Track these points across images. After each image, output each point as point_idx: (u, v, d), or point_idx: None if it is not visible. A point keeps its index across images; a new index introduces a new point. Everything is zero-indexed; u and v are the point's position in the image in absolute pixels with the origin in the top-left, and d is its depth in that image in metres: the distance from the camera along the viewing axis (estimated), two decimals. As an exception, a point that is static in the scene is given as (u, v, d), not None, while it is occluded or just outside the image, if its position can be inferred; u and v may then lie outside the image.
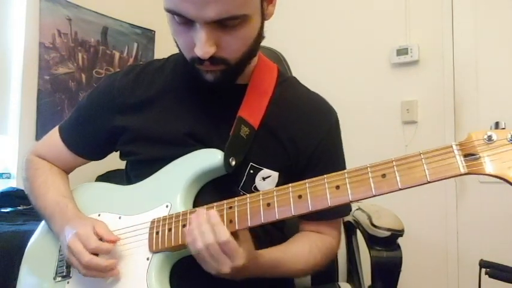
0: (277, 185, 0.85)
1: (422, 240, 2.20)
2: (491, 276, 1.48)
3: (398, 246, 1.23)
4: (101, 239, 0.82)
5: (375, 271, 1.21)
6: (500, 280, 1.46)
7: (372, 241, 1.24)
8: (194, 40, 0.76)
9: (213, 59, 0.77)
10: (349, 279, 1.34)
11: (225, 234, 0.71)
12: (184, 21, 0.75)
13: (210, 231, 0.72)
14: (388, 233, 1.22)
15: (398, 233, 1.23)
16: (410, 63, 2.34)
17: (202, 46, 0.74)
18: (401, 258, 1.21)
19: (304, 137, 0.91)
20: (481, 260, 1.52)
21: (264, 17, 0.82)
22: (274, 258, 0.83)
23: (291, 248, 0.87)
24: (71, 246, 0.82)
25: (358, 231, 1.33)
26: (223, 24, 0.74)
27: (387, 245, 1.22)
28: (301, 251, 0.87)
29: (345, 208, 0.97)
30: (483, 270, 1.49)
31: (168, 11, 0.75)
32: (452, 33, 2.24)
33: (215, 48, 0.76)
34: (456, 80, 2.22)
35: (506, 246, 1.98)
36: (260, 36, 0.84)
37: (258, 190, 0.85)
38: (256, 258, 0.77)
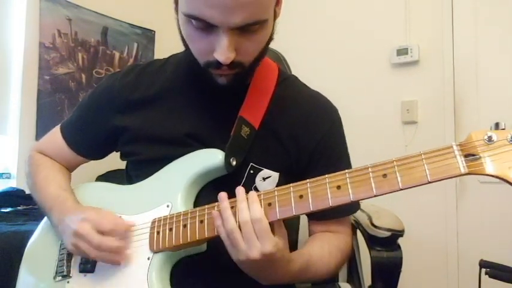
0: (277, 186, 0.85)
1: (422, 240, 2.20)
2: (491, 276, 1.47)
3: (399, 247, 1.23)
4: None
5: (375, 271, 1.21)
6: (500, 280, 1.46)
7: (372, 241, 1.23)
8: (214, 45, 0.76)
9: (230, 64, 0.77)
10: (349, 279, 1.34)
11: (259, 212, 0.70)
12: (205, 26, 0.75)
13: (246, 208, 0.71)
14: (388, 233, 1.22)
15: (399, 233, 1.23)
16: (410, 63, 2.34)
17: (225, 52, 0.75)
18: (401, 258, 1.21)
19: (305, 134, 0.91)
20: (481, 260, 1.51)
21: (275, 18, 0.83)
22: (305, 263, 0.81)
23: (314, 251, 0.85)
24: (79, 230, 0.81)
25: (358, 231, 1.33)
26: (244, 30, 0.75)
27: (387, 245, 1.22)
28: (322, 253, 0.86)
29: (354, 205, 0.96)
30: (483, 270, 1.49)
31: (189, 16, 0.75)
32: (452, 33, 2.24)
33: (235, 53, 0.76)
34: (456, 80, 2.22)
35: (506, 246, 1.98)
36: (271, 38, 0.84)
37: (258, 190, 0.85)
38: (289, 262, 0.76)
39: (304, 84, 1.01)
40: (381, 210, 1.30)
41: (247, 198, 0.73)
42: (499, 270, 1.47)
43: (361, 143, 2.19)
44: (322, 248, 0.86)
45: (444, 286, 2.19)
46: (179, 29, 0.83)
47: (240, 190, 0.74)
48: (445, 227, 2.21)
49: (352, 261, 1.34)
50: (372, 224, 1.23)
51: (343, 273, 1.35)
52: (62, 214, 0.88)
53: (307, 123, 0.92)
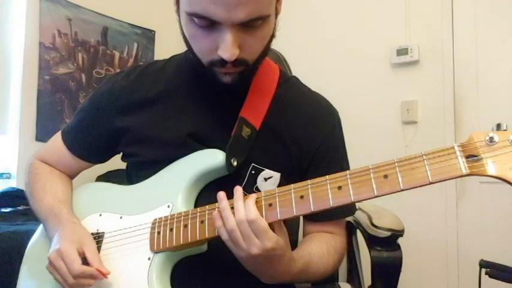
0: (278, 186, 0.85)
1: (422, 240, 2.20)
2: (491, 276, 1.48)
3: (399, 247, 1.23)
4: (84, 258, 0.81)
5: (375, 271, 1.21)
6: (500, 280, 1.46)
7: (372, 241, 1.24)
8: (218, 42, 0.75)
9: (235, 61, 0.77)
10: (349, 279, 1.34)
11: (254, 212, 0.70)
12: (208, 24, 0.75)
13: (242, 207, 0.71)
14: (388, 233, 1.22)
15: (399, 233, 1.23)
16: (410, 63, 2.33)
17: (229, 48, 0.74)
18: (401, 258, 1.21)
19: (306, 137, 0.91)
20: (481, 260, 1.52)
21: (276, 15, 0.83)
22: (306, 263, 0.80)
23: (314, 251, 0.85)
24: (54, 263, 0.81)
25: (358, 231, 1.33)
26: (247, 26, 0.75)
27: (387, 245, 1.23)
28: (322, 253, 0.86)
29: (351, 207, 0.96)
30: (483, 270, 1.49)
31: (192, 14, 0.75)
32: (452, 33, 2.24)
33: (239, 50, 0.76)
34: (456, 80, 2.22)
35: (506, 246, 1.98)
36: (273, 35, 0.84)
37: (259, 191, 0.85)
38: (291, 261, 0.76)
39: (305, 86, 1.01)
40: (381, 210, 1.30)
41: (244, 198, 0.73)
42: (499, 270, 1.47)
43: (361, 143, 2.20)
44: (321, 248, 0.86)
45: (444, 286, 2.19)
46: (181, 29, 0.82)
47: (237, 188, 0.74)
48: (445, 227, 2.21)
49: (352, 261, 1.35)
50: (372, 224, 1.24)
51: (343, 273, 1.35)
52: (55, 228, 0.88)
53: (308, 125, 0.92)
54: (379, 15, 2.46)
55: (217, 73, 0.81)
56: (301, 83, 1.01)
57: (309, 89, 1.00)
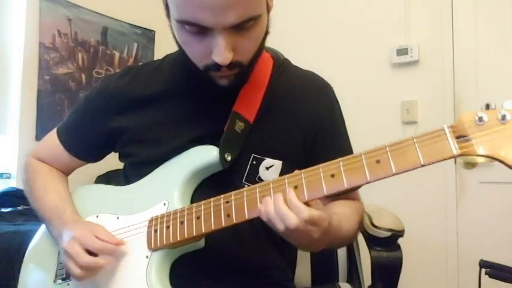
0: (281, 174, 0.85)
1: (422, 240, 2.20)
2: (491, 276, 1.47)
3: (399, 247, 1.23)
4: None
5: (375, 271, 1.21)
6: (500, 280, 1.46)
7: (372, 241, 1.24)
8: (211, 47, 0.75)
9: (230, 64, 0.76)
10: (349, 280, 1.34)
11: (306, 212, 0.67)
12: (199, 30, 0.74)
13: (289, 214, 0.67)
14: (388, 234, 1.22)
15: (399, 233, 1.23)
16: (410, 63, 2.34)
17: (222, 53, 0.74)
18: (401, 258, 1.21)
19: (307, 115, 0.91)
20: (481, 260, 1.51)
21: (268, 12, 0.82)
22: (337, 221, 0.77)
23: (340, 211, 0.82)
24: (68, 249, 0.81)
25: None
26: (239, 28, 0.74)
27: (387, 246, 1.22)
28: (347, 213, 0.84)
29: None
30: (483, 270, 1.49)
31: (182, 21, 0.74)
32: (452, 33, 2.24)
33: (232, 53, 0.75)
34: (456, 80, 2.22)
35: (506, 246, 1.98)
36: (267, 32, 0.84)
37: (262, 180, 0.85)
38: (330, 223, 0.73)
39: (297, 67, 1.00)
40: (381, 210, 1.30)
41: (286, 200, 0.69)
42: (499, 270, 1.47)
43: (361, 143, 2.17)
44: (345, 210, 0.85)
45: (444, 286, 2.19)
46: (173, 35, 0.82)
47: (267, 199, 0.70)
48: (445, 227, 2.21)
49: (352, 261, 1.35)
50: (372, 224, 1.24)
51: (343, 273, 1.35)
52: (60, 228, 0.88)
53: (307, 105, 0.92)
54: (379, 15, 2.46)
55: (214, 77, 0.81)
56: (293, 65, 1.01)
57: (301, 69, 1.00)
